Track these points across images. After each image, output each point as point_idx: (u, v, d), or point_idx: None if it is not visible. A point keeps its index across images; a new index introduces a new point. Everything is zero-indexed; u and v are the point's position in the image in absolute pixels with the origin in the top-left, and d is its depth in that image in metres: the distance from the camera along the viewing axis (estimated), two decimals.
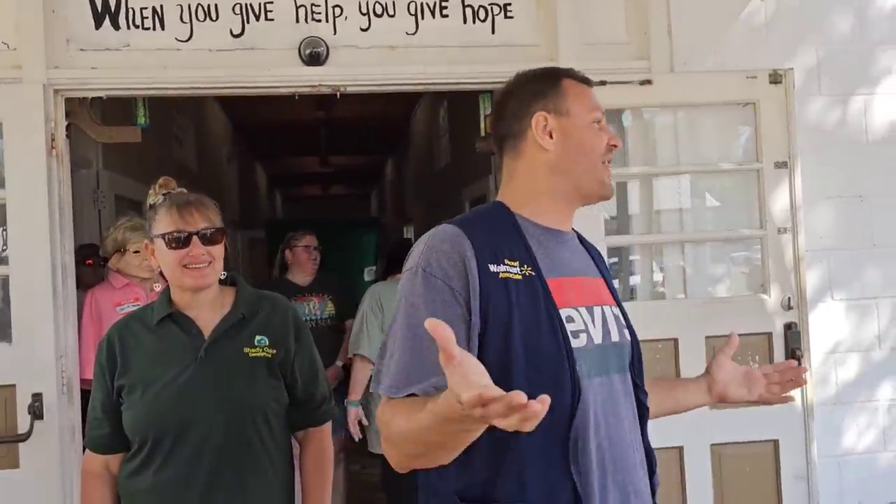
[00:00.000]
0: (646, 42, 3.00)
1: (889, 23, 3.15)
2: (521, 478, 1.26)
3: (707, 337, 2.87)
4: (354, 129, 9.55)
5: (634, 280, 3.43)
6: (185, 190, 1.85)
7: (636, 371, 1.43)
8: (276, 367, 1.79)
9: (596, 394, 1.32)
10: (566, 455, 1.26)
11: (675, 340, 2.90)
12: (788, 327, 2.92)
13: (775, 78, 2.94)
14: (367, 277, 11.99)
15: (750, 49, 3.04)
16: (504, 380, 1.21)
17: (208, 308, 1.80)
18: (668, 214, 3.18)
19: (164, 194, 1.82)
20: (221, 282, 1.85)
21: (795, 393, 2.82)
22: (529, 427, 0.94)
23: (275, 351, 1.79)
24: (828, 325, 3.08)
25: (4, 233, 2.80)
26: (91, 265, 3.55)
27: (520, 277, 1.29)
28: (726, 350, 1.59)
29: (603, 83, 2.89)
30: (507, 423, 0.94)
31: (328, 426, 1.92)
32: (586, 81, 1.47)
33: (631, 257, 3.44)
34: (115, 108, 3.26)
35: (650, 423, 1.50)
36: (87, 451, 1.82)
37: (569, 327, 1.31)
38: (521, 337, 1.26)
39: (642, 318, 2.90)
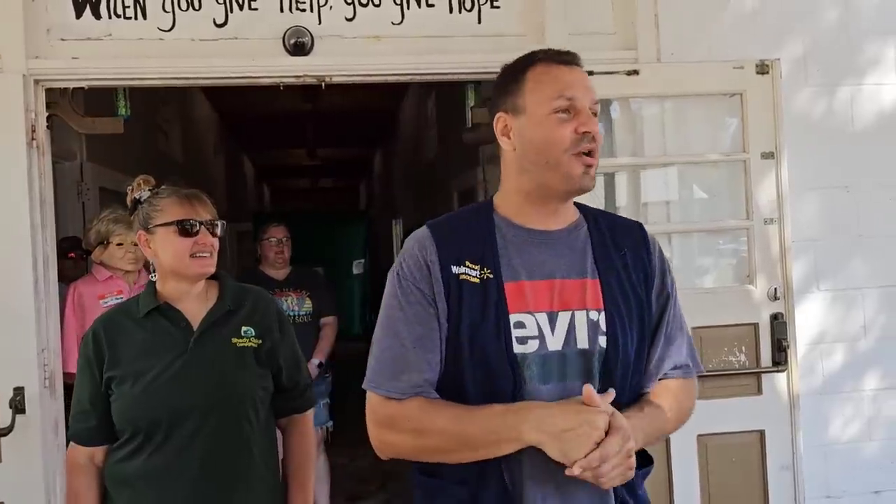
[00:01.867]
0: (633, 32, 2.99)
1: (875, 13, 3.15)
2: (464, 464, 1.32)
3: (694, 328, 2.85)
4: (342, 122, 9.52)
5: None
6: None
7: (610, 380, 1.34)
8: (262, 356, 1.85)
9: (544, 400, 1.30)
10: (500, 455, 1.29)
11: None
12: (775, 318, 2.92)
13: (762, 68, 2.93)
14: (355, 270, 11.99)
15: (737, 39, 3.04)
16: (456, 373, 1.34)
17: (195, 300, 1.85)
18: (655, 206, 3.16)
19: (150, 189, 1.87)
20: None
21: (781, 384, 2.90)
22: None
23: (261, 341, 1.85)
24: (814, 316, 3.08)
25: None
26: (73, 258, 3.52)
27: (477, 280, 1.33)
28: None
29: (590, 73, 2.85)
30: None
31: (311, 412, 1.99)
32: (564, 60, 1.38)
33: None
34: (99, 99, 3.22)
35: None
36: (72, 443, 1.83)
37: (517, 332, 1.31)
38: (468, 337, 1.32)
39: None
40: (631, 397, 1.39)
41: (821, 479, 3.03)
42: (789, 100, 3.02)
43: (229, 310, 1.85)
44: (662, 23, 2.99)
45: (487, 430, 1.27)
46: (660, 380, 1.45)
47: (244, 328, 1.84)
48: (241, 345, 1.82)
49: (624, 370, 1.36)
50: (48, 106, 2.77)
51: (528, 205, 1.40)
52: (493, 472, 1.31)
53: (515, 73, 1.40)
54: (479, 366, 1.31)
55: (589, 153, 1.34)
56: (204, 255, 1.81)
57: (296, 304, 3.98)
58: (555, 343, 1.32)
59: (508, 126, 1.39)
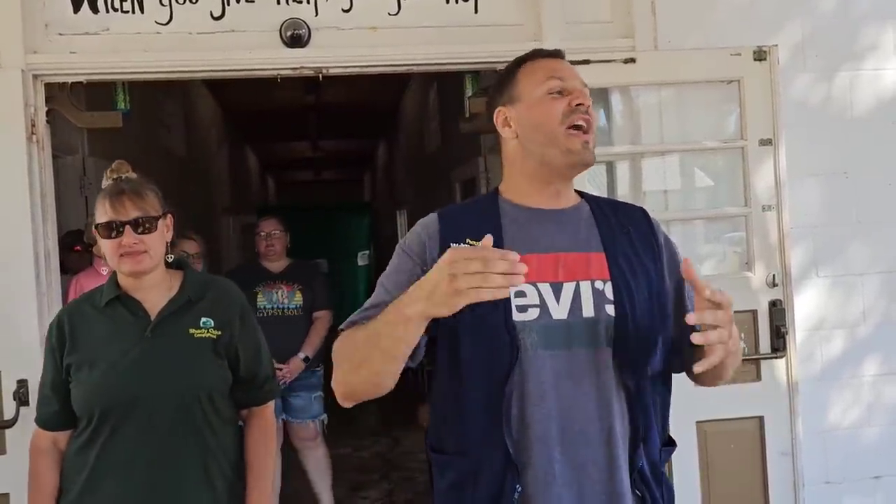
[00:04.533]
0: (629, 20, 2.98)
1: None
2: (466, 436, 1.40)
3: None
4: (345, 114, 9.53)
5: None
6: (134, 175, 1.91)
7: (621, 347, 1.39)
8: (220, 347, 1.87)
9: (545, 366, 1.37)
10: (501, 419, 1.36)
11: None
12: (773, 304, 2.92)
13: (760, 55, 2.93)
14: (360, 262, 12.02)
15: (734, 26, 3.03)
16: (452, 343, 1.41)
17: (155, 291, 1.87)
18: (653, 193, 3.17)
19: (113, 179, 1.88)
20: (168, 265, 1.92)
21: (780, 370, 2.91)
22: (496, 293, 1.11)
23: (220, 332, 1.87)
24: (813, 302, 3.09)
25: None
26: (78, 251, 3.55)
27: None
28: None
29: (587, 62, 2.88)
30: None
31: (271, 404, 2.01)
32: (551, 54, 1.52)
33: None
34: (102, 95, 3.24)
35: None
36: (37, 427, 1.89)
37: (517, 301, 1.38)
38: (468, 308, 1.31)
39: None
40: (653, 365, 1.43)
41: (820, 465, 3.04)
42: (787, 86, 3.01)
43: (189, 300, 1.87)
44: (659, 10, 2.98)
45: (383, 322, 1.26)
46: None
47: (203, 319, 1.86)
48: (199, 336, 1.84)
49: (638, 337, 1.40)
50: (47, 100, 2.79)
51: (532, 188, 1.48)
52: (495, 438, 1.37)
53: (509, 72, 1.52)
54: (478, 334, 1.38)
55: (582, 128, 1.42)
56: (132, 253, 1.80)
57: (286, 298, 3.98)
58: (560, 312, 1.39)
59: (508, 117, 1.49)
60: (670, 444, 1.53)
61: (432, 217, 1.51)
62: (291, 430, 4.05)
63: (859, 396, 3.11)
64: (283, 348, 3.85)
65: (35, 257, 2.65)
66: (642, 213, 1.55)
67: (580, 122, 1.42)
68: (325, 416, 4.06)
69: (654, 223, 1.53)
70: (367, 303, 1.44)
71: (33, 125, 2.69)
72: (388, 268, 1.49)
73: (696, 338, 1.22)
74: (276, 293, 3.97)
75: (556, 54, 1.53)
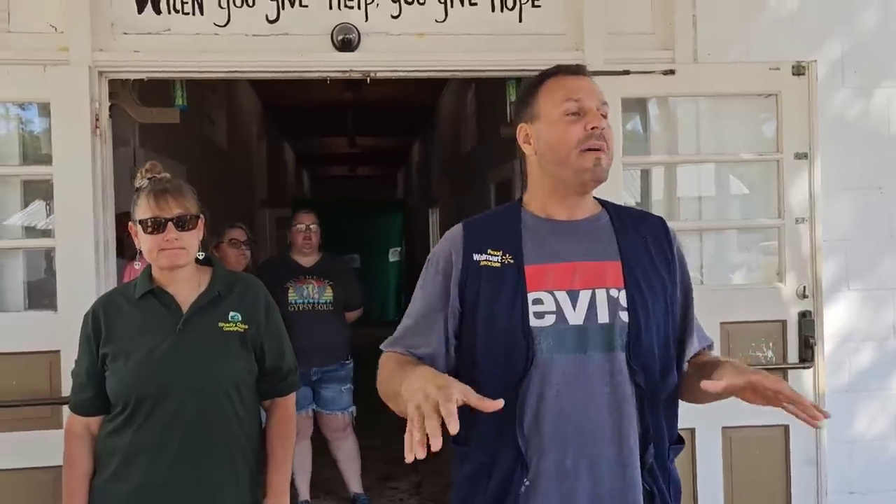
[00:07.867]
0: (670, 32, 3.05)
1: None
2: (483, 431, 1.49)
3: (721, 323, 2.94)
4: (383, 111, 9.65)
5: None
6: (168, 175, 1.99)
7: (634, 352, 1.47)
8: (247, 341, 1.96)
9: (559, 369, 1.45)
10: (514, 419, 1.44)
11: None
12: (803, 315, 2.97)
13: (798, 70, 2.98)
14: (391, 258, 12.17)
15: (774, 40, 3.08)
16: (469, 348, 1.51)
17: (185, 285, 1.96)
18: (688, 202, 3.23)
19: (148, 178, 1.97)
20: (198, 262, 2.00)
21: (808, 380, 2.96)
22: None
23: (247, 326, 1.96)
24: (843, 315, 3.13)
25: (49, 207, 2.95)
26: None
27: (498, 265, 1.50)
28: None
29: (626, 72, 2.97)
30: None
31: (292, 396, 2.10)
32: (572, 71, 1.55)
33: None
34: (151, 89, 3.38)
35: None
36: (71, 413, 1.99)
37: (535, 308, 1.47)
38: (484, 314, 1.48)
39: None
40: (663, 368, 1.52)
41: (845, 476, 3.09)
42: (825, 101, 3.06)
43: (218, 295, 1.96)
44: (700, 23, 3.05)
45: (393, 383, 1.40)
46: (697, 354, 1.60)
47: (231, 313, 1.95)
48: (228, 329, 1.94)
49: (649, 343, 1.48)
50: (109, 96, 2.94)
51: (551, 201, 1.56)
52: (508, 435, 1.45)
53: (531, 88, 1.58)
54: (495, 339, 1.46)
55: (597, 147, 1.49)
56: (172, 249, 1.89)
57: (316, 293, 4.01)
58: (576, 318, 1.47)
59: (529, 134, 1.56)
60: (679, 442, 1.60)
61: (458, 229, 1.58)
62: (322, 421, 4.14)
63: (886, 409, 3.14)
64: (314, 343, 3.91)
65: (95, 246, 2.80)
66: (661, 222, 1.62)
67: (594, 146, 1.48)
68: (353, 409, 4.12)
69: (670, 233, 1.60)
70: (404, 318, 1.57)
71: (97, 119, 2.83)
72: (420, 279, 1.59)
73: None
74: (307, 287, 4.01)
75: (578, 71, 1.56)
